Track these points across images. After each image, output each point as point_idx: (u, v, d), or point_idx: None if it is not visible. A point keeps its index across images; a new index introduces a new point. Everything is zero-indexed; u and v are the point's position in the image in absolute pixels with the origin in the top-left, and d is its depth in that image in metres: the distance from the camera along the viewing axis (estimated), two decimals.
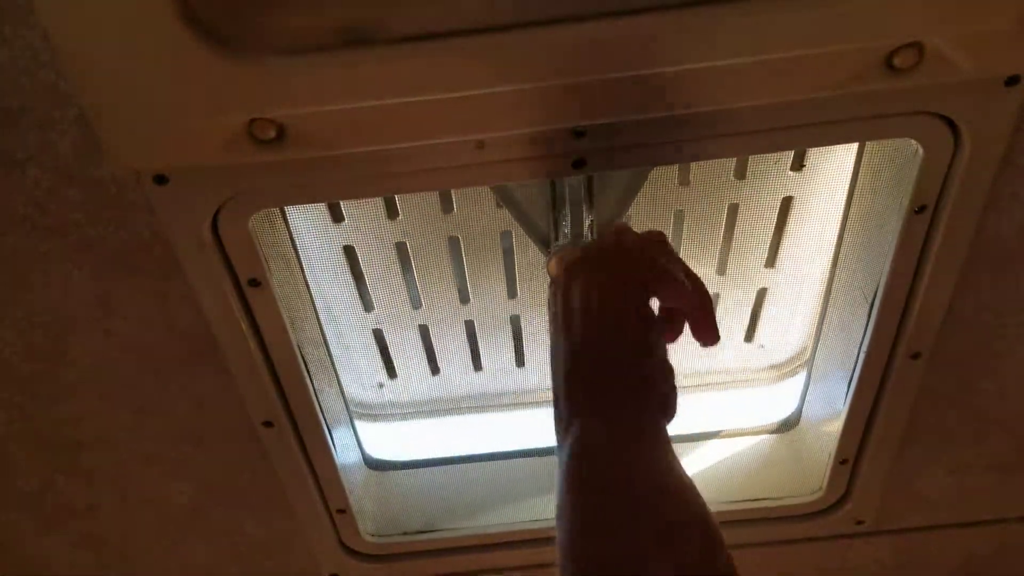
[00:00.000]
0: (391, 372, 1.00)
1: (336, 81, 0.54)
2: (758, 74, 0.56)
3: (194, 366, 0.76)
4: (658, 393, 0.59)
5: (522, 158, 0.63)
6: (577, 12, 0.52)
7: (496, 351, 0.98)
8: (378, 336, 0.95)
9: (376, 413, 1.04)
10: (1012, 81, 0.60)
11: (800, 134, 0.63)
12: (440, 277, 0.88)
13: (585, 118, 0.59)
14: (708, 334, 0.61)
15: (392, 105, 0.56)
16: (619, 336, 0.59)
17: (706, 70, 0.56)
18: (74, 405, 0.78)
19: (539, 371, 1.01)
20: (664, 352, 0.61)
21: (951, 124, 0.63)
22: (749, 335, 0.98)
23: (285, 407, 0.80)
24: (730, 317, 0.96)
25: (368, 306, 0.91)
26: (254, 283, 0.70)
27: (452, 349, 0.97)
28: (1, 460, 0.82)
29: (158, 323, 0.72)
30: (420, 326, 0.94)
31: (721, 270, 0.90)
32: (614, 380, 0.58)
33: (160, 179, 0.62)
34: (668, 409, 0.60)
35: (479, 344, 0.97)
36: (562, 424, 0.58)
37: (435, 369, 1.00)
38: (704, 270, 0.89)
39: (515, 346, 0.98)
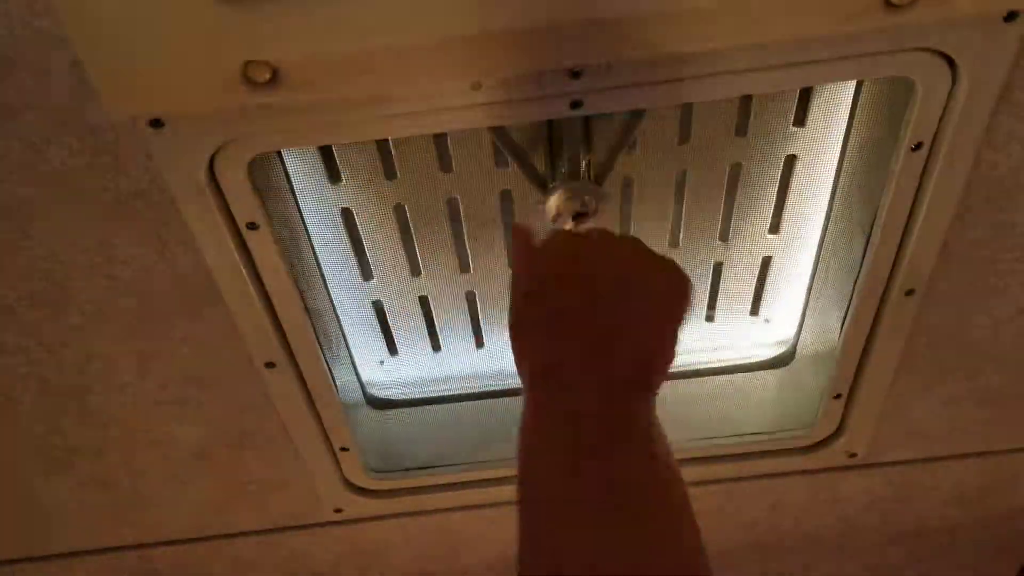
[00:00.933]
0: (392, 349, 1.01)
1: (329, 21, 0.54)
2: (755, 12, 0.56)
3: (196, 309, 0.77)
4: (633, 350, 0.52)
5: (519, 99, 0.63)
6: None
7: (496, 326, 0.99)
8: (378, 309, 0.95)
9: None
10: (1011, 17, 0.60)
11: (797, 73, 0.63)
12: (440, 243, 0.88)
13: (581, 58, 0.59)
14: None
15: (386, 46, 0.56)
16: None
17: (703, 8, 0.55)
18: (78, 350, 0.79)
19: None
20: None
21: (949, 61, 0.63)
22: (754, 308, 0.99)
23: (286, 348, 0.81)
24: (735, 288, 0.96)
25: (367, 274, 0.91)
26: (252, 226, 0.71)
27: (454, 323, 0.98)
28: (7, 404, 0.84)
29: (159, 268, 0.73)
30: (420, 297, 0.94)
31: (724, 236, 0.90)
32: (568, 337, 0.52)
33: (156, 123, 0.62)
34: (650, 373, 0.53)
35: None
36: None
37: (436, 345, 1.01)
38: (707, 239, 0.89)
39: None
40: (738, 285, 0.95)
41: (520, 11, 0.54)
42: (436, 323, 0.96)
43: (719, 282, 0.95)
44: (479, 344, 1.00)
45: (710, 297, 0.96)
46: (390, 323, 0.96)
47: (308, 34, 0.54)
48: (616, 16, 0.55)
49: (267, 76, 0.57)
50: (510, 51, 0.57)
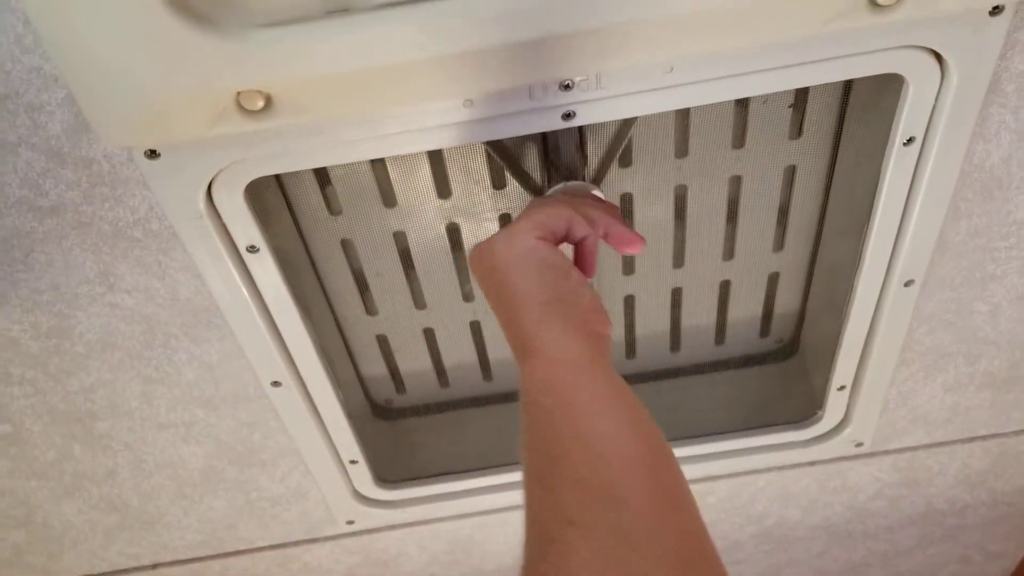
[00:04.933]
0: (399, 388, 1.02)
1: (319, 50, 0.54)
2: (740, 17, 0.56)
3: (199, 333, 0.77)
4: (583, 310, 0.58)
5: (511, 113, 0.63)
6: None
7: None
8: (382, 343, 0.96)
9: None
10: (996, 10, 0.60)
11: (786, 74, 0.63)
12: (443, 273, 0.89)
13: (571, 71, 0.59)
14: (630, 241, 0.64)
15: (375, 67, 0.56)
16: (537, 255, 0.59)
17: (688, 15, 0.56)
18: (85, 378, 0.79)
19: None
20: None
21: (937, 56, 0.63)
22: (764, 329, 0.99)
23: (292, 367, 0.81)
24: (740, 310, 0.97)
25: (371, 309, 0.92)
26: (252, 249, 0.71)
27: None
28: (18, 433, 0.84)
29: (161, 294, 0.73)
30: (425, 329, 0.95)
31: (728, 255, 0.90)
32: (536, 307, 0.57)
33: (152, 154, 0.62)
34: (599, 324, 0.59)
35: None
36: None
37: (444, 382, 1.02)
38: (712, 258, 0.91)
39: None
40: (746, 306, 0.95)
41: (506, 28, 0.54)
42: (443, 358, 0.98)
43: (727, 303, 0.95)
44: (486, 377, 1.01)
45: (718, 320, 0.97)
46: (396, 358, 0.98)
47: (298, 61, 0.54)
48: (601, 27, 0.55)
49: (260, 104, 0.58)
50: (499, 67, 0.57)
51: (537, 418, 0.52)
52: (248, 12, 0.52)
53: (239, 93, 0.57)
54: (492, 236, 0.62)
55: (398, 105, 0.61)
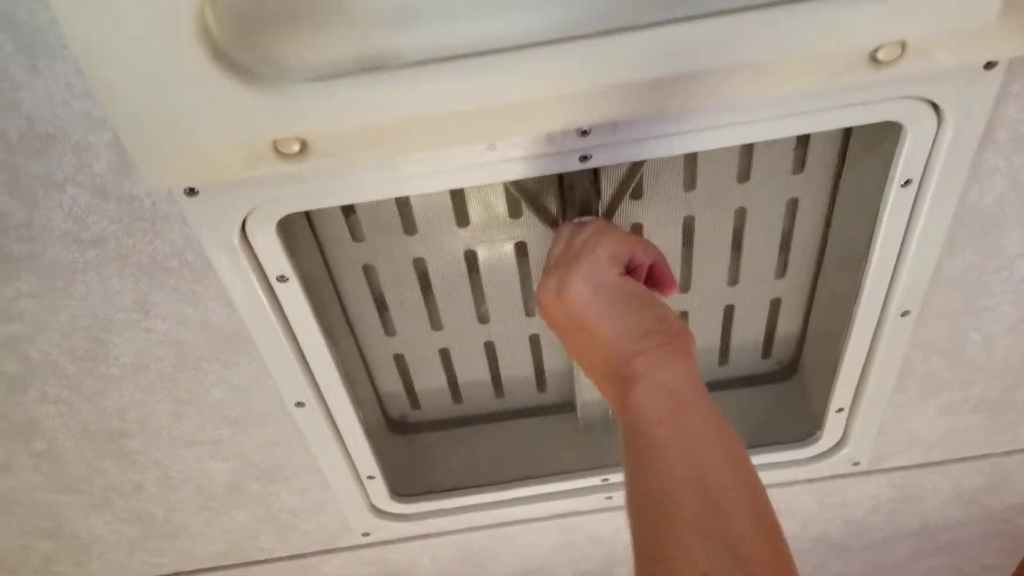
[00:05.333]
0: (414, 403, 1.06)
1: (355, 103, 0.58)
2: (750, 74, 0.60)
3: (229, 356, 0.81)
4: (674, 334, 0.61)
5: (531, 156, 0.67)
6: (577, 31, 0.56)
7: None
8: (399, 362, 1.00)
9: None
10: (990, 65, 0.64)
11: (791, 122, 0.67)
12: (459, 297, 0.93)
13: (590, 120, 0.63)
14: (669, 283, 0.68)
15: (406, 119, 0.60)
16: (625, 289, 0.63)
17: (701, 74, 0.59)
18: (117, 398, 0.83)
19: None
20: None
21: (934, 106, 0.67)
22: (766, 351, 1.03)
23: (315, 389, 0.85)
24: (743, 333, 1.01)
25: (389, 330, 0.96)
26: (282, 279, 0.75)
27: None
28: (51, 449, 0.88)
29: (194, 320, 0.77)
30: (441, 349, 0.99)
31: (732, 281, 0.94)
32: (634, 340, 0.60)
33: (191, 191, 0.66)
34: (689, 343, 0.62)
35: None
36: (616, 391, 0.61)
37: (458, 398, 1.06)
38: (717, 284, 0.94)
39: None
40: (749, 329, 0.99)
41: (529, 84, 0.58)
42: (457, 376, 1.02)
43: (731, 326, 0.99)
44: (499, 394, 1.05)
45: (722, 342, 1.01)
46: (412, 376, 1.02)
47: (334, 112, 0.58)
48: (620, 82, 0.59)
49: (296, 148, 0.61)
50: (523, 118, 0.61)
51: (651, 453, 0.55)
52: (289, 68, 0.56)
53: (276, 139, 0.60)
54: (567, 273, 0.63)
55: (426, 150, 0.64)
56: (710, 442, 0.56)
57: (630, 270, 0.66)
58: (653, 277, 0.69)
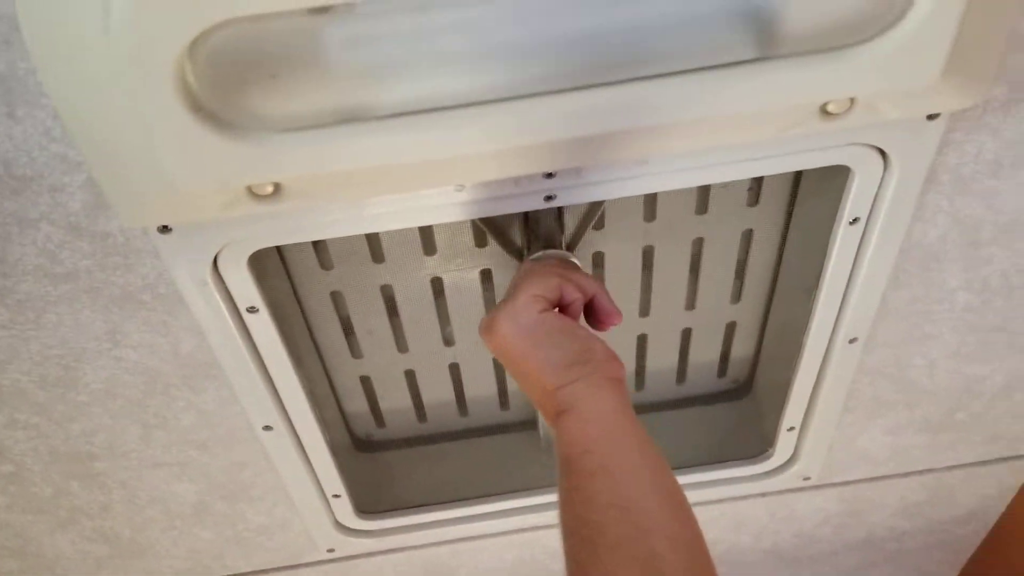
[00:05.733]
0: (379, 422, 1.08)
1: (329, 152, 0.59)
2: (707, 127, 0.63)
3: (198, 383, 0.82)
4: (599, 362, 0.64)
5: (498, 196, 0.70)
6: (545, 88, 0.58)
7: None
8: (365, 383, 1.02)
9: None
10: (933, 116, 0.68)
11: (745, 166, 0.70)
12: (425, 321, 0.95)
13: (555, 166, 0.65)
14: (609, 315, 0.71)
15: (378, 166, 0.62)
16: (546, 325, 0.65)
17: (663, 126, 0.62)
18: (86, 423, 0.84)
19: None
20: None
21: (880, 151, 0.70)
22: (722, 371, 1.07)
23: (283, 413, 0.87)
24: (700, 354, 1.04)
25: (356, 352, 0.98)
26: (252, 310, 0.76)
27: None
28: (19, 472, 0.88)
29: (164, 349, 0.78)
30: (407, 371, 1.01)
31: (690, 306, 0.98)
32: (559, 371, 0.63)
33: (164, 229, 0.68)
34: (615, 370, 0.64)
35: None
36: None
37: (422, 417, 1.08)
38: (675, 309, 0.98)
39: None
40: (705, 350, 1.03)
41: (498, 137, 0.60)
42: (422, 396, 1.04)
43: (688, 347, 1.02)
44: (463, 412, 1.07)
45: (679, 363, 1.04)
46: (378, 396, 1.04)
47: (308, 160, 0.60)
48: (585, 135, 0.61)
49: (269, 190, 0.63)
50: (491, 165, 0.63)
51: (579, 480, 0.58)
52: (266, 120, 0.58)
53: (251, 184, 0.62)
54: (496, 313, 0.66)
55: (397, 193, 0.67)
56: (635, 468, 0.58)
57: (563, 307, 0.69)
58: (594, 311, 0.71)
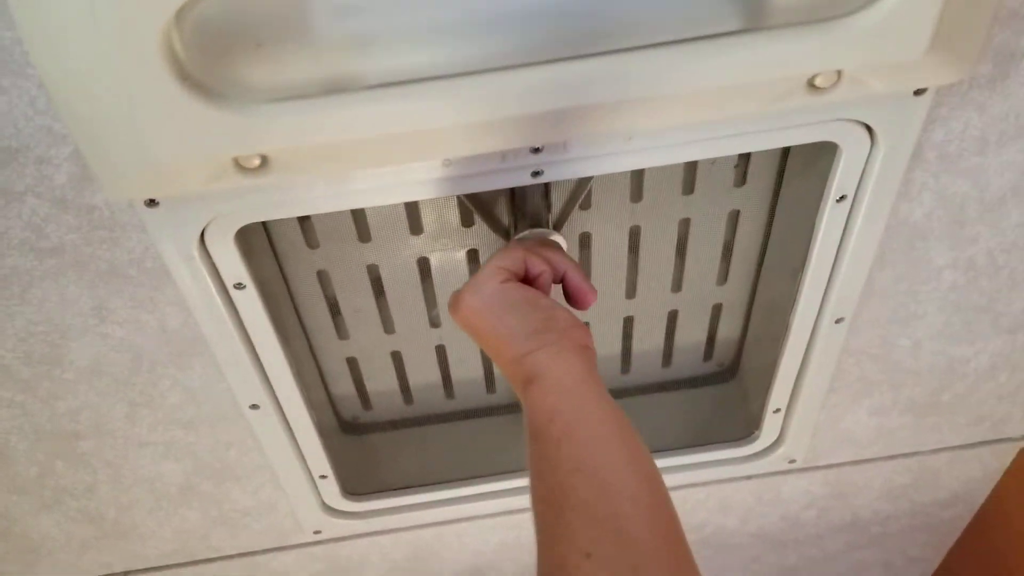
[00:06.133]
0: (366, 404, 1.08)
1: (316, 122, 0.59)
2: (693, 100, 0.63)
3: (184, 360, 0.82)
4: (564, 330, 0.64)
5: (484, 172, 0.69)
6: (531, 58, 0.58)
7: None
8: (352, 364, 1.02)
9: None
10: (920, 91, 0.68)
11: (732, 142, 0.70)
12: (412, 302, 0.95)
13: (541, 140, 0.65)
14: (584, 294, 0.71)
15: (365, 138, 0.62)
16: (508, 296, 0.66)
17: (648, 98, 0.62)
18: (72, 401, 0.84)
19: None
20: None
21: (867, 127, 0.71)
22: (708, 354, 1.07)
23: (270, 391, 0.86)
24: (686, 336, 1.05)
25: (343, 333, 0.98)
26: (239, 286, 0.76)
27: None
28: (2, 450, 0.88)
29: (150, 326, 0.78)
30: (393, 352, 1.01)
31: (676, 287, 0.98)
32: (523, 340, 0.63)
33: (152, 202, 0.67)
34: (582, 337, 0.65)
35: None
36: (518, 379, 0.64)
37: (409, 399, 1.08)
38: (661, 290, 0.98)
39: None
40: (691, 333, 1.03)
41: (485, 107, 0.60)
42: (408, 378, 1.04)
43: (674, 330, 1.03)
44: (449, 395, 1.07)
45: (665, 345, 1.04)
46: (364, 378, 1.03)
47: (295, 131, 0.60)
48: (572, 106, 0.61)
49: (256, 163, 0.63)
50: (477, 137, 0.63)
51: (546, 449, 0.58)
52: (253, 89, 0.58)
53: (238, 156, 0.62)
54: (460, 289, 0.68)
55: (384, 166, 0.66)
56: (601, 433, 0.58)
57: (530, 279, 0.70)
58: (568, 290, 0.72)
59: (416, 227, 0.87)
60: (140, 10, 0.51)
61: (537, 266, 0.69)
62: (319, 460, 0.97)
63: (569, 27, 0.58)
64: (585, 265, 0.93)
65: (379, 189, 0.70)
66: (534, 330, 0.64)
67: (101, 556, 1.06)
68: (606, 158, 0.70)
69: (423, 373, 1.05)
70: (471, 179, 0.70)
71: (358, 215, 0.85)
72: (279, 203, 0.69)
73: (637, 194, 0.87)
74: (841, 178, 0.75)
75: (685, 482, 1.10)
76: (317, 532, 1.08)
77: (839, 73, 0.63)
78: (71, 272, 0.72)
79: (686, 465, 1.07)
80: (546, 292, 0.70)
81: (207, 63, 0.56)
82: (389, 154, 0.64)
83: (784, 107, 0.65)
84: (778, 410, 1.00)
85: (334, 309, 0.95)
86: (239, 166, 0.63)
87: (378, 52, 0.58)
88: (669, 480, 1.06)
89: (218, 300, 0.76)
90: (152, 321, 0.78)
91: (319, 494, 1.02)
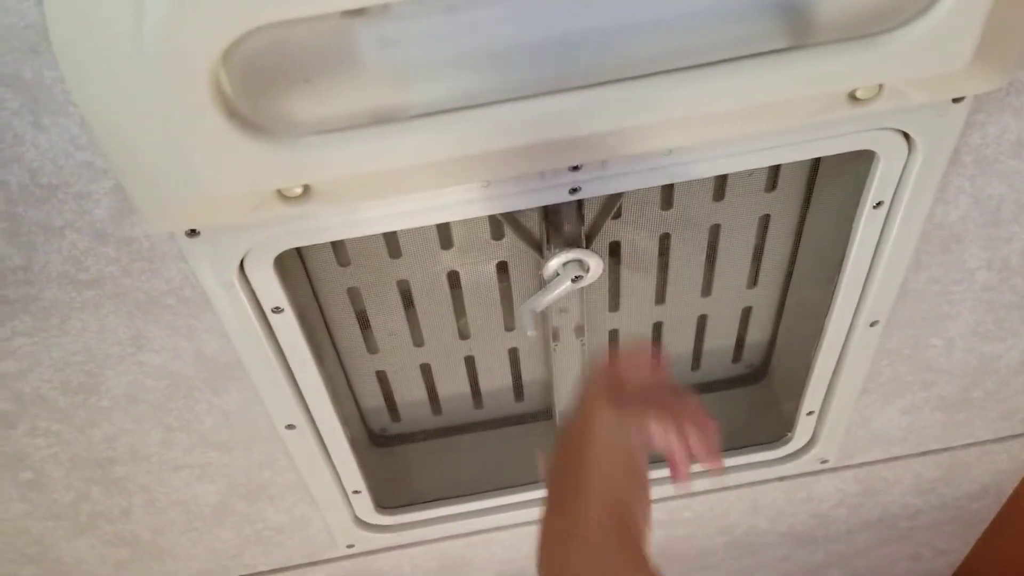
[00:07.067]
0: (394, 416, 1.08)
1: (360, 153, 0.59)
2: (736, 116, 0.63)
3: (220, 384, 0.82)
4: (638, 531, 0.61)
5: (523, 191, 0.69)
6: (576, 83, 0.58)
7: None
8: (381, 377, 1.02)
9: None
10: (958, 99, 0.68)
11: (770, 154, 0.70)
12: (441, 314, 0.94)
13: (581, 160, 0.65)
14: (681, 475, 0.67)
15: (406, 167, 0.61)
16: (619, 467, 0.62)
17: (690, 117, 0.62)
18: (107, 428, 0.84)
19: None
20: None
21: (905, 135, 0.70)
22: (736, 356, 1.07)
23: (305, 411, 0.86)
24: (715, 339, 1.04)
25: (372, 348, 0.97)
26: (277, 310, 0.76)
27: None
28: (39, 478, 0.88)
29: (187, 352, 0.78)
30: (422, 364, 1.01)
31: (706, 292, 0.98)
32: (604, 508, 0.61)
33: (192, 232, 0.67)
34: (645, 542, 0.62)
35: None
36: None
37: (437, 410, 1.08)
38: (691, 295, 0.97)
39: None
40: (721, 336, 1.03)
41: (524, 133, 0.60)
42: (437, 389, 1.04)
43: (703, 333, 1.02)
44: (477, 404, 1.07)
45: (695, 349, 1.04)
46: (393, 391, 1.03)
47: (339, 162, 0.59)
48: (618, 128, 0.61)
49: (299, 192, 0.62)
50: (517, 161, 0.63)
51: None
52: (298, 123, 0.57)
53: (282, 187, 0.61)
54: (597, 415, 0.64)
55: (425, 191, 0.66)
56: None
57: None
58: (673, 458, 0.66)
59: (446, 242, 0.87)
60: (188, 50, 0.51)
61: (670, 442, 0.64)
62: (352, 476, 0.96)
63: (615, 51, 0.58)
64: (614, 273, 0.93)
65: (417, 212, 0.70)
66: (621, 512, 0.61)
67: None
68: (645, 173, 0.70)
69: (452, 384, 1.05)
70: (509, 198, 0.70)
71: (389, 233, 0.85)
72: (319, 229, 0.69)
73: (668, 202, 0.87)
74: (879, 185, 0.75)
75: (718, 486, 1.10)
76: (350, 546, 1.07)
77: (880, 86, 0.62)
78: (109, 303, 0.72)
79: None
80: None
81: (254, 99, 0.55)
82: (430, 180, 0.63)
83: (825, 120, 0.64)
84: (811, 412, 1.00)
85: (364, 325, 0.94)
86: (281, 195, 0.62)
87: (421, 82, 0.57)
88: (702, 484, 1.07)
89: (256, 324, 0.76)
90: (189, 348, 0.77)
91: (352, 509, 1.02)
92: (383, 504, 1.04)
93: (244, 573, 1.09)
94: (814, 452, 1.05)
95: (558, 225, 0.80)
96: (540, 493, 1.05)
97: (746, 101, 0.61)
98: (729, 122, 0.63)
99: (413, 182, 0.63)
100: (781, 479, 1.11)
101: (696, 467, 1.02)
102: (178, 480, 0.92)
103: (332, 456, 0.93)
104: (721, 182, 0.86)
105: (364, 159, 0.59)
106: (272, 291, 0.74)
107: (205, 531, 1.00)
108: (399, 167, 0.61)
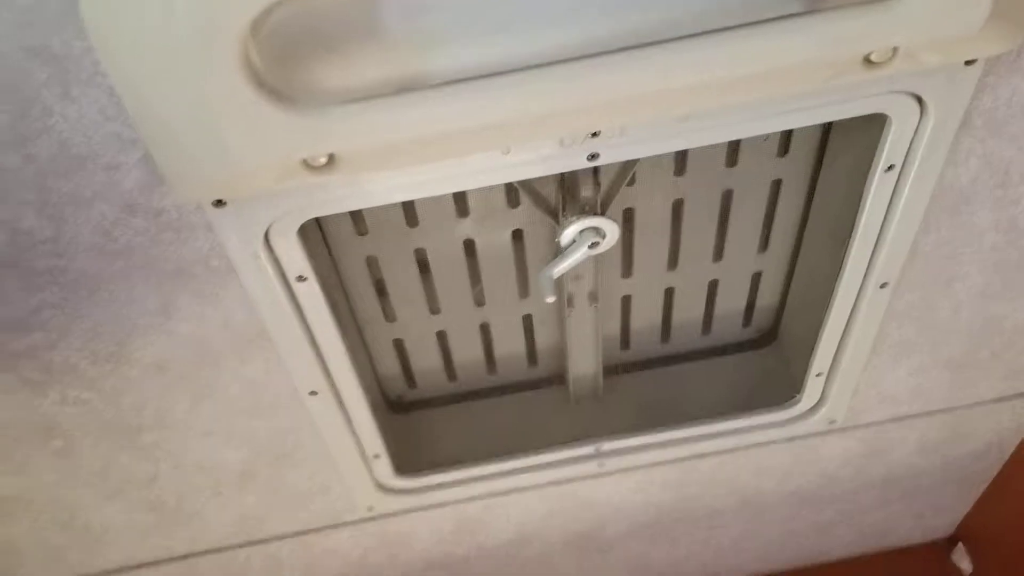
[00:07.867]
0: (410, 382, 1.10)
1: (385, 122, 0.60)
2: (755, 81, 0.64)
3: (246, 352, 0.83)
4: None
5: (542, 158, 0.70)
6: (595, 49, 0.59)
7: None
8: (398, 345, 1.04)
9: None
10: (971, 62, 0.69)
11: (784, 118, 0.71)
12: (457, 282, 0.96)
13: (601, 125, 0.66)
14: None
15: (430, 135, 0.62)
16: None
17: (708, 82, 0.63)
18: (136, 396, 0.85)
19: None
20: None
21: (917, 98, 0.72)
22: (747, 320, 1.09)
23: (328, 378, 0.88)
24: (726, 304, 1.06)
25: (390, 316, 0.99)
26: (301, 279, 0.77)
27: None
28: (68, 446, 0.90)
29: (214, 321, 0.79)
30: (438, 332, 1.03)
31: (717, 257, 0.99)
32: None
33: (219, 203, 0.68)
34: None
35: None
36: None
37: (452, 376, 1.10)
38: (703, 260, 0.99)
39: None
40: (731, 300, 1.04)
41: (548, 98, 0.61)
42: (452, 355, 1.06)
43: (714, 298, 1.04)
44: (491, 371, 1.09)
45: (705, 314, 1.06)
46: (409, 358, 1.05)
47: (365, 131, 0.60)
48: (636, 94, 0.62)
49: (324, 161, 0.64)
50: (542, 127, 0.64)
51: None
52: (325, 92, 0.58)
53: (307, 156, 0.63)
54: None
55: (449, 159, 0.67)
56: None
57: None
58: None
59: (463, 210, 0.88)
60: (218, 20, 0.52)
61: None
62: (373, 440, 0.98)
63: (634, 16, 0.59)
64: (627, 239, 0.95)
65: (439, 180, 0.71)
66: None
67: (162, 541, 1.08)
68: (663, 139, 0.71)
69: (467, 350, 1.07)
70: (528, 165, 0.71)
71: (407, 202, 0.86)
72: (343, 198, 0.71)
73: (681, 168, 0.88)
74: (891, 148, 0.76)
75: (726, 447, 1.12)
76: (370, 509, 1.10)
77: (894, 49, 0.63)
78: (138, 273, 0.74)
79: (729, 431, 1.09)
80: None
81: (282, 69, 0.57)
82: (454, 148, 0.64)
83: (840, 83, 0.65)
84: (820, 374, 1.02)
85: (381, 292, 0.96)
86: (307, 165, 0.64)
87: (446, 49, 0.59)
88: (712, 446, 1.09)
89: (281, 293, 0.77)
90: (216, 316, 0.79)
91: (372, 473, 1.04)
92: (401, 468, 1.07)
93: (267, 536, 1.12)
94: (822, 413, 1.07)
95: (575, 192, 0.82)
96: (554, 456, 1.08)
97: (765, 65, 0.62)
98: (747, 86, 0.64)
99: (437, 150, 0.64)
100: (789, 440, 1.13)
101: (703, 430, 1.05)
102: (204, 447, 0.94)
103: (353, 422, 0.95)
104: (734, 147, 0.87)
105: (389, 127, 0.60)
106: (296, 260, 0.75)
107: (230, 496, 1.03)
108: (423, 135, 0.62)
